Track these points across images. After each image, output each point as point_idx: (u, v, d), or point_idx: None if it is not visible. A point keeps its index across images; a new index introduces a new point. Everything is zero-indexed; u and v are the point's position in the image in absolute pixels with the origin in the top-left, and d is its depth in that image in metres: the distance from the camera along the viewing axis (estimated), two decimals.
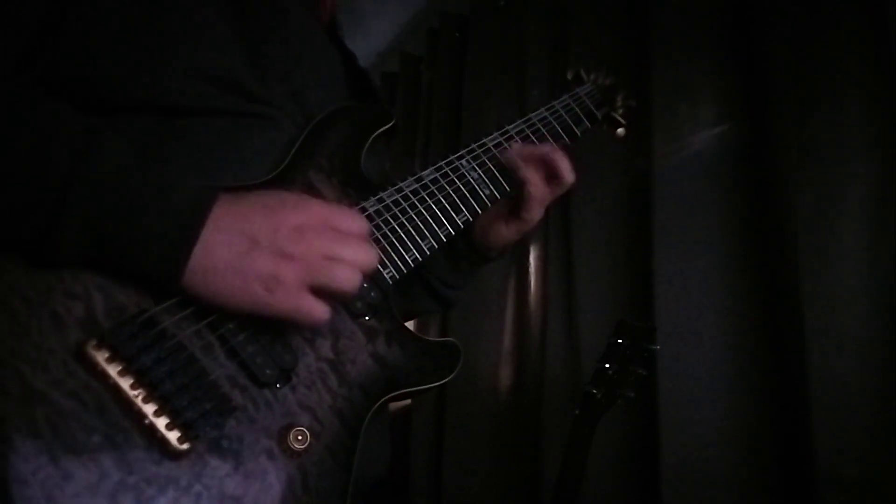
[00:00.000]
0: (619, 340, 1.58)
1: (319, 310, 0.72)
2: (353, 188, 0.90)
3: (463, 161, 1.02)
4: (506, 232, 1.11)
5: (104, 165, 0.67)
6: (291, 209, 0.73)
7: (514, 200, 1.08)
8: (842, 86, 1.70)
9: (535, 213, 1.09)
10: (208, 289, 0.69)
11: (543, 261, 2.48)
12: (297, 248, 0.70)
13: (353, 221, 0.76)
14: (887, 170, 1.62)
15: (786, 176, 1.76)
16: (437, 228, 0.94)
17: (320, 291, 0.72)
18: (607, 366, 1.57)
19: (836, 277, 1.65)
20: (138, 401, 0.66)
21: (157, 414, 0.66)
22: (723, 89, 2.00)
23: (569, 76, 1.29)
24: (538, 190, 1.06)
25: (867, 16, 1.69)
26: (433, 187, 0.96)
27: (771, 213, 1.82)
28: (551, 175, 1.06)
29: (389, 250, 0.88)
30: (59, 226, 0.65)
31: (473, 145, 1.05)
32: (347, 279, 0.72)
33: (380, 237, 0.88)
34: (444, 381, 0.89)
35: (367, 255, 0.75)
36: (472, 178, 1.01)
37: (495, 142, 1.06)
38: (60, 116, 0.70)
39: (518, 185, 1.05)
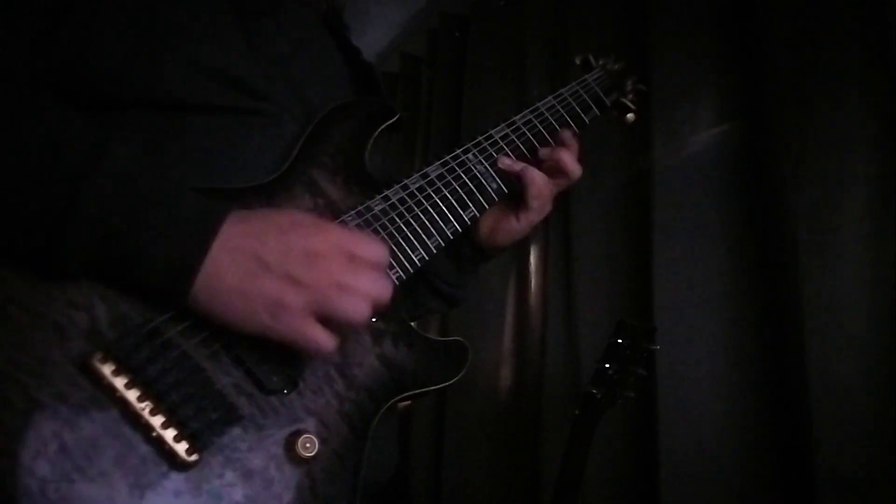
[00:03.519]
0: (619, 340, 1.58)
1: (323, 339, 0.70)
2: (358, 186, 0.88)
3: (469, 155, 1.00)
4: (517, 228, 1.10)
5: (113, 176, 0.66)
6: (305, 232, 0.71)
7: (523, 197, 1.07)
8: (842, 86, 1.70)
9: (545, 208, 1.09)
10: (213, 309, 0.68)
11: (543, 261, 2.48)
12: (306, 274, 0.69)
13: (371, 249, 0.74)
14: (887, 170, 1.62)
15: (786, 176, 1.76)
16: (443, 226, 0.93)
17: (327, 320, 0.70)
18: (607, 366, 1.58)
19: (836, 277, 1.65)
20: (145, 413, 0.65)
21: (164, 426, 0.66)
22: (723, 89, 2.00)
23: (577, 61, 1.26)
24: (543, 188, 1.05)
25: (867, 16, 1.68)
26: (439, 183, 0.95)
27: (771, 214, 1.82)
28: (556, 169, 1.06)
29: (396, 250, 0.87)
30: (66, 236, 0.64)
31: (480, 138, 1.03)
32: (355, 310, 0.70)
33: (386, 237, 0.86)
34: (452, 381, 0.88)
35: (379, 287, 0.73)
36: (479, 171, 0.99)
37: (502, 133, 1.04)
38: (70, 124, 0.69)
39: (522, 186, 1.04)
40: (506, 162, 1.03)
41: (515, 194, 1.06)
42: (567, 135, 1.10)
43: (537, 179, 1.04)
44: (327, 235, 0.72)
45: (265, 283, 0.68)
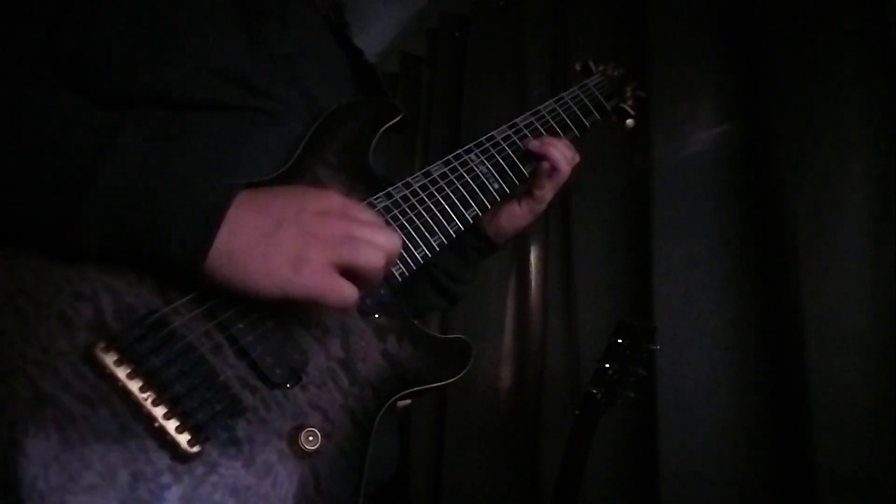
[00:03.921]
0: (619, 340, 1.58)
1: (348, 289, 0.70)
2: (362, 184, 0.89)
3: (472, 155, 1.01)
4: (518, 212, 1.12)
5: (127, 156, 0.66)
6: (314, 195, 0.73)
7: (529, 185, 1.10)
8: (842, 86, 1.70)
9: (548, 192, 1.11)
10: (234, 273, 0.68)
11: (543, 261, 2.48)
12: (322, 228, 0.70)
13: (368, 213, 0.76)
14: (887, 170, 1.62)
15: (786, 176, 1.76)
16: (446, 224, 0.94)
17: (347, 271, 0.71)
18: (607, 366, 1.58)
19: (836, 277, 1.65)
20: (148, 403, 0.65)
21: (167, 416, 0.66)
22: (723, 89, 2.00)
23: (577, 67, 1.28)
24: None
25: (867, 16, 1.69)
26: (442, 182, 0.96)
27: (771, 213, 1.82)
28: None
29: None
30: (82, 213, 0.64)
31: (482, 138, 1.04)
32: (373, 258, 0.71)
33: None
34: (454, 378, 0.88)
35: (390, 238, 0.74)
36: (481, 171, 1.00)
37: (504, 135, 1.06)
38: (83, 109, 0.70)
39: (535, 166, 1.07)
40: (535, 143, 1.06)
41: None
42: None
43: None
44: (332, 199, 0.74)
45: (284, 238, 0.69)
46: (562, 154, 1.08)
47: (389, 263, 0.75)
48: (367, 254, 0.71)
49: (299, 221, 0.70)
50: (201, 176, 0.70)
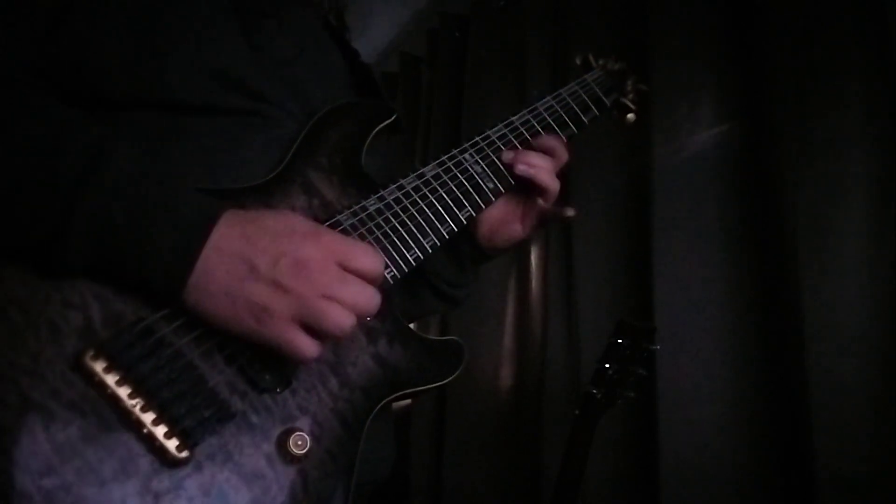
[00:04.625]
0: (619, 340, 1.58)
1: (306, 346, 0.70)
2: (354, 186, 0.88)
3: (466, 155, 0.99)
4: (519, 233, 1.09)
5: (113, 175, 0.67)
6: (299, 239, 0.71)
7: (528, 198, 1.07)
8: (842, 86, 1.70)
9: (537, 215, 1.08)
10: (202, 308, 0.69)
11: (543, 261, 2.48)
12: (294, 282, 0.69)
13: (365, 260, 0.74)
14: (887, 170, 1.62)
15: (786, 176, 1.76)
16: (439, 225, 0.92)
17: (310, 329, 0.71)
18: (607, 366, 1.58)
19: (836, 278, 1.65)
20: (136, 410, 0.66)
21: (155, 422, 0.66)
22: (723, 89, 2.00)
23: (577, 61, 1.25)
24: (551, 181, 1.04)
25: (867, 16, 1.68)
26: (435, 183, 0.94)
27: (771, 213, 1.82)
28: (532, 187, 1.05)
29: (391, 249, 0.87)
30: (66, 234, 0.64)
31: (477, 138, 1.02)
32: (339, 322, 0.70)
33: (381, 236, 0.86)
34: (446, 380, 0.88)
35: (367, 299, 0.73)
36: (476, 171, 0.99)
37: (499, 133, 1.04)
38: (72, 124, 0.70)
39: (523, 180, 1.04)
40: (509, 156, 1.02)
41: (521, 197, 1.06)
42: (551, 143, 1.07)
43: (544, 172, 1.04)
44: (320, 244, 0.72)
45: (253, 287, 0.69)
46: (546, 171, 1.04)
47: (361, 321, 0.74)
48: (336, 317, 0.70)
49: (273, 271, 0.69)
50: (189, 196, 0.70)
